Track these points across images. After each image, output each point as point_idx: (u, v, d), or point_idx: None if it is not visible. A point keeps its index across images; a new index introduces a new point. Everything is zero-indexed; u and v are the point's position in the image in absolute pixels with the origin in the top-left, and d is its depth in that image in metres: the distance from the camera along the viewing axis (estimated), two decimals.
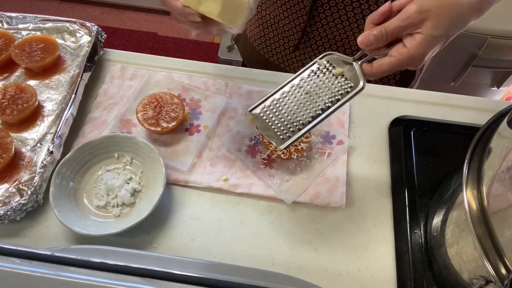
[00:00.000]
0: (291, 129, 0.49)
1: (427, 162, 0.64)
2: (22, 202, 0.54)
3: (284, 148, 0.49)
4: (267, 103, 0.51)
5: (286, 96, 0.50)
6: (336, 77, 0.49)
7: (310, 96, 0.49)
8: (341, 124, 0.66)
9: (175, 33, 2.14)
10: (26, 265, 0.27)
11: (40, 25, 0.75)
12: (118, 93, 0.69)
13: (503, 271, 0.39)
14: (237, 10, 0.51)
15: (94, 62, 0.70)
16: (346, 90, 0.48)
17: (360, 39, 0.46)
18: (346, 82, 0.48)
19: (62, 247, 0.53)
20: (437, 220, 0.56)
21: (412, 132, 0.66)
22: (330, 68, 0.49)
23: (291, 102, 0.50)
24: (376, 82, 0.80)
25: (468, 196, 0.44)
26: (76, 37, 0.73)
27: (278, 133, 0.49)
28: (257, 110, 0.51)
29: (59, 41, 0.72)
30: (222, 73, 0.73)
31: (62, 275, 0.27)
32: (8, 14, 0.75)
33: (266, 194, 0.59)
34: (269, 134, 0.50)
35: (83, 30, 0.74)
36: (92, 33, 0.72)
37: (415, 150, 0.64)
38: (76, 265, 0.28)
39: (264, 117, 0.50)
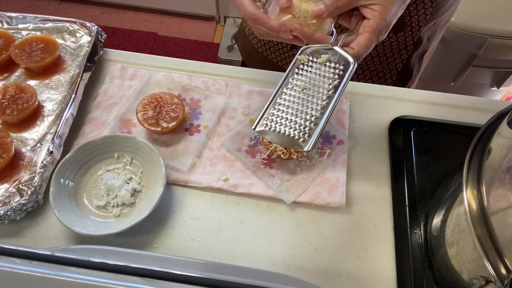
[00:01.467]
0: (306, 128, 0.48)
1: (427, 162, 0.64)
2: (22, 202, 0.54)
3: (311, 149, 0.48)
4: (268, 115, 0.50)
5: (285, 101, 0.50)
6: (324, 65, 0.49)
7: (309, 90, 0.49)
8: (341, 124, 0.66)
9: (175, 33, 2.14)
10: (26, 265, 0.27)
11: (40, 25, 0.75)
12: (118, 93, 0.69)
13: (503, 271, 0.39)
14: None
15: (94, 62, 0.70)
16: (340, 71, 0.48)
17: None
18: (336, 65, 0.48)
19: (62, 247, 0.53)
20: (437, 220, 0.56)
21: (412, 132, 0.66)
22: (314, 59, 0.49)
23: (293, 103, 0.49)
24: (373, 82, 0.80)
25: (468, 196, 0.44)
26: (76, 37, 0.73)
27: (296, 137, 0.49)
28: (261, 126, 0.50)
29: (59, 41, 0.72)
30: (222, 73, 0.73)
31: (62, 275, 0.27)
32: (8, 14, 0.75)
33: (266, 194, 0.59)
34: (286, 142, 0.49)
35: (83, 30, 0.74)
36: (92, 33, 0.72)
37: (415, 150, 0.64)
38: (76, 265, 0.28)
39: (272, 129, 0.50)
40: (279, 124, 0.50)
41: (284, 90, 0.50)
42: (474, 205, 0.43)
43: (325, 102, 0.48)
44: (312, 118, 0.48)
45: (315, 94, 0.49)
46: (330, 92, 0.48)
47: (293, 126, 0.49)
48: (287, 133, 0.49)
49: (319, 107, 0.48)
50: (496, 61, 1.30)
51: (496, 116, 0.51)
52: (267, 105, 0.51)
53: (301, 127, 0.49)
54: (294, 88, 0.50)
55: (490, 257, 0.40)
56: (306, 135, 0.48)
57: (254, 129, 0.50)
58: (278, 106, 0.50)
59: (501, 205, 0.41)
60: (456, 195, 0.52)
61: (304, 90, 0.49)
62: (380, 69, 0.78)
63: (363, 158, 0.64)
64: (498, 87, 1.42)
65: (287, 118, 0.49)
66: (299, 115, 0.49)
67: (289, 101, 0.50)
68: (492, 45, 1.22)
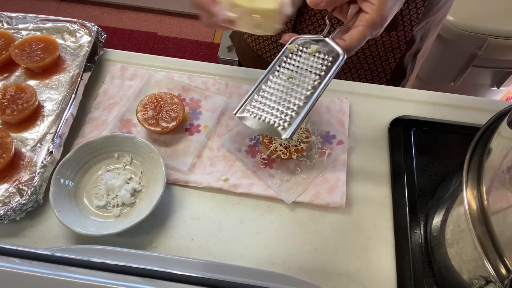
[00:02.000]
0: (287, 116, 0.48)
1: (427, 162, 0.64)
2: (22, 202, 0.54)
3: (290, 137, 0.48)
4: (251, 101, 0.50)
5: (269, 88, 0.50)
6: (314, 55, 0.48)
7: (294, 79, 0.49)
8: (341, 124, 0.66)
9: (175, 33, 2.14)
10: (26, 265, 0.27)
11: (40, 25, 0.75)
12: (118, 93, 0.69)
13: (503, 271, 0.39)
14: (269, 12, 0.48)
15: (94, 62, 0.70)
16: (328, 63, 0.48)
17: None
18: (325, 56, 0.48)
19: (62, 247, 0.53)
20: (437, 220, 0.56)
21: (412, 132, 0.66)
22: (304, 49, 0.49)
23: (277, 91, 0.49)
24: (367, 81, 0.80)
25: (468, 196, 0.44)
26: (76, 37, 0.73)
27: (275, 125, 0.48)
28: (243, 112, 0.50)
29: (59, 41, 0.72)
30: (222, 73, 0.73)
31: (62, 275, 0.27)
32: (8, 14, 0.75)
33: (266, 194, 0.59)
34: (266, 129, 0.49)
35: (83, 30, 0.74)
36: (92, 33, 0.72)
37: (415, 150, 0.64)
38: (76, 265, 0.28)
39: (253, 115, 0.49)
40: (261, 110, 0.49)
41: (270, 77, 0.50)
42: (474, 205, 0.43)
43: (310, 92, 0.48)
44: (295, 107, 0.48)
45: (300, 84, 0.48)
46: (315, 83, 0.48)
47: (274, 113, 0.49)
48: (267, 120, 0.49)
49: (302, 97, 0.48)
50: (496, 61, 1.30)
51: (496, 116, 0.51)
52: (251, 91, 0.50)
53: (282, 115, 0.48)
54: (280, 76, 0.49)
55: (490, 257, 0.40)
56: (286, 123, 0.48)
57: (235, 114, 0.50)
58: (262, 92, 0.50)
59: (501, 205, 0.41)
60: (456, 195, 0.52)
61: (290, 79, 0.49)
62: (374, 67, 0.78)
63: (363, 158, 0.64)
64: (498, 87, 1.42)
65: (269, 105, 0.49)
66: (281, 103, 0.49)
67: (273, 88, 0.50)
68: (492, 45, 1.22)
